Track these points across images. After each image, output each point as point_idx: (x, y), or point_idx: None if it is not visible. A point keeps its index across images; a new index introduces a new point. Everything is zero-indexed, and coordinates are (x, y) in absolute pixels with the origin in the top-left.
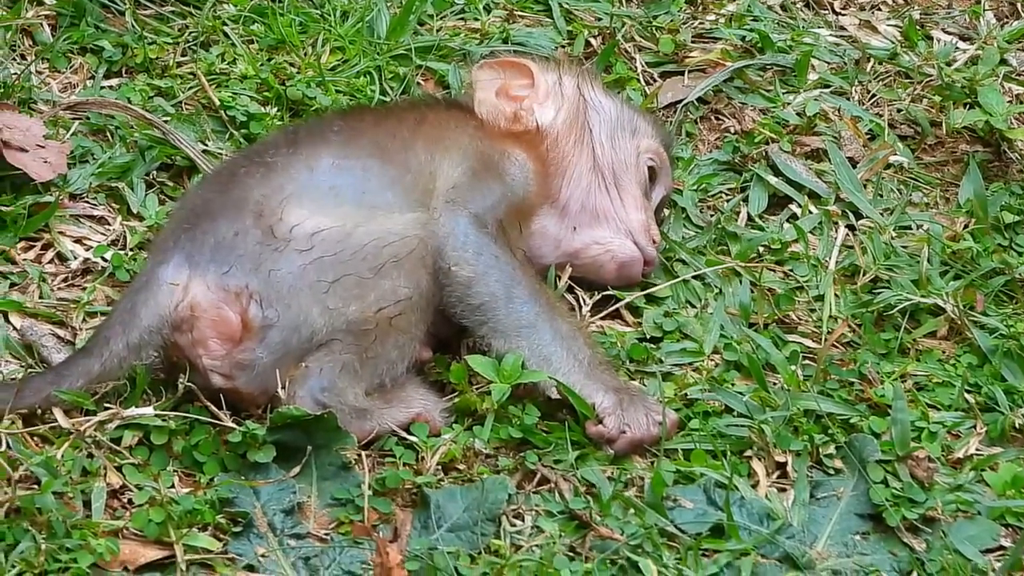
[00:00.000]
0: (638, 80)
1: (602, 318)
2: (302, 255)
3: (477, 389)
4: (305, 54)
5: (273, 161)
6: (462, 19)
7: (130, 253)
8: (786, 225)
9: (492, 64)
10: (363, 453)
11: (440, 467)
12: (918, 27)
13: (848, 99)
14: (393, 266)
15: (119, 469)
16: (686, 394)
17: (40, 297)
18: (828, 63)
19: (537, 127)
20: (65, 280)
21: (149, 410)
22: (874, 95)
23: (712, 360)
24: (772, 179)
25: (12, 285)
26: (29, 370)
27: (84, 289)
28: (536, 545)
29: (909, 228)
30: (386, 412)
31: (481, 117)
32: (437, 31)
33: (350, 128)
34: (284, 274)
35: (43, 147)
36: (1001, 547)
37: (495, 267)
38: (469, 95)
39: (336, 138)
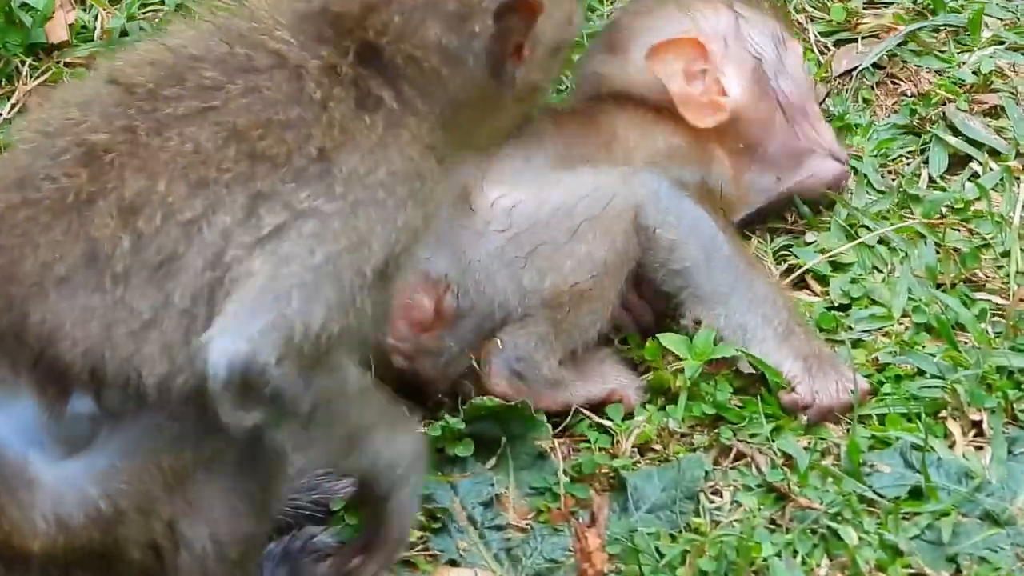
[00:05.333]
0: (812, 50)
1: (789, 289)
2: (501, 235)
3: (669, 366)
4: None
5: None
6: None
7: None
8: (968, 184)
9: (661, 50)
10: (557, 441)
11: (635, 449)
12: None
13: (1023, 55)
14: (589, 226)
15: None
16: (877, 359)
17: None
18: (1001, 20)
19: (729, 109)
20: None
21: None
22: None
23: (901, 324)
24: (951, 139)
25: None
26: None
27: None
28: (736, 520)
29: None
30: (581, 386)
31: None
32: (597, 17)
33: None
34: (483, 260)
35: None
36: None
37: (696, 231)
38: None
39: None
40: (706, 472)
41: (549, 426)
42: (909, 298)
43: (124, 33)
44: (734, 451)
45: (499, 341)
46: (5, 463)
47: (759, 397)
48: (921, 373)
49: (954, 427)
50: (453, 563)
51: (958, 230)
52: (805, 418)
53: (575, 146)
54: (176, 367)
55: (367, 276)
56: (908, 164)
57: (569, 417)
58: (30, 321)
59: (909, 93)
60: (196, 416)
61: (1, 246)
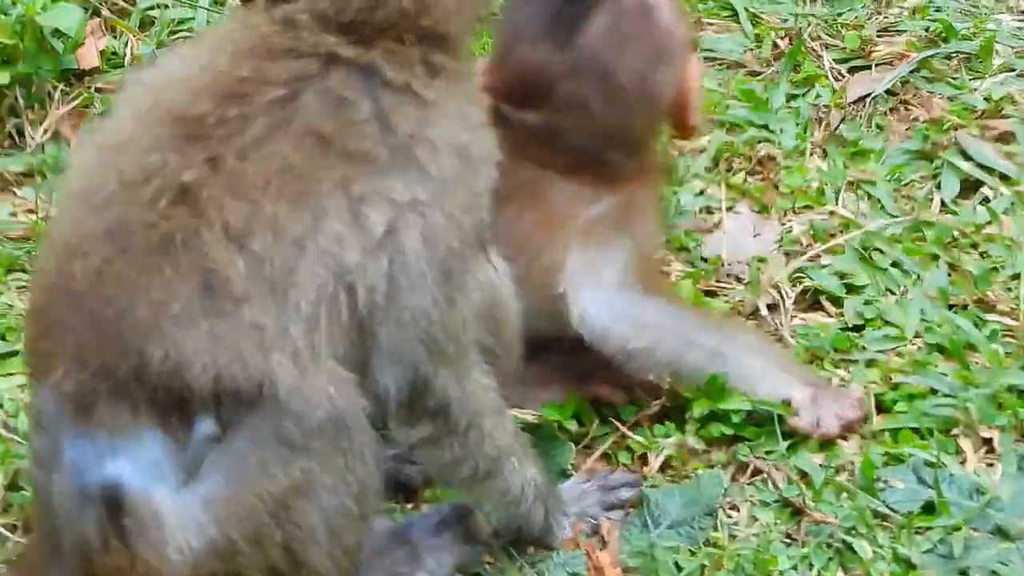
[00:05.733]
0: (826, 77)
1: (804, 311)
2: None
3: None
4: None
5: None
6: None
7: None
8: (979, 208)
9: None
10: (580, 460)
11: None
12: None
13: None
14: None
15: None
16: (891, 378)
17: None
18: (1012, 47)
19: None
20: None
21: None
22: None
23: (914, 344)
24: (963, 164)
25: None
26: None
27: None
28: (753, 534)
29: None
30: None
31: None
32: None
33: None
34: None
35: None
36: None
37: (661, 329)
38: None
39: None
40: (724, 488)
41: (572, 445)
42: (922, 319)
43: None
44: (751, 468)
45: None
46: (136, 507)
47: (774, 416)
48: (934, 392)
49: (966, 444)
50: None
51: (969, 253)
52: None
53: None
54: (305, 371)
55: (472, 250)
56: (921, 189)
57: (590, 437)
58: (152, 361)
59: (922, 119)
60: (289, 438)
61: (108, 297)
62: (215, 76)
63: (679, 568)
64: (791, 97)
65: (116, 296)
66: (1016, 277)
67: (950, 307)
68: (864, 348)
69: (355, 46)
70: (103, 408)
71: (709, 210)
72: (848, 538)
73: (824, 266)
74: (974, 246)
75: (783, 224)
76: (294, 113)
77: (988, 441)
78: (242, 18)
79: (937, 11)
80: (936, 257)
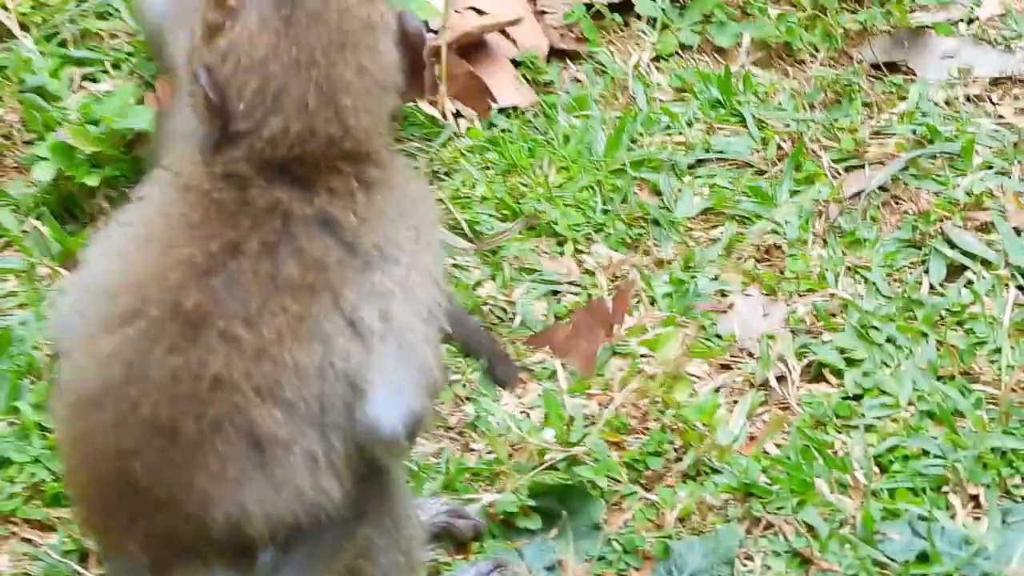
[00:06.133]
0: (826, 175)
1: (809, 382)
2: None
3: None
4: (535, 175)
5: None
6: (668, 134)
7: None
8: (963, 290)
9: None
10: (610, 514)
11: (678, 520)
12: None
13: (1009, 177)
14: None
15: None
16: (887, 441)
17: None
18: (990, 147)
19: None
20: None
21: None
22: None
23: (908, 411)
24: (948, 251)
25: None
26: None
27: None
28: None
29: None
30: None
31: None
32: (648, 146)
33: None
34: None
35: None
36: None
37: None
38: None
39: None
40: (740, 540)
41: (603, 502)
42: (914, 389)
43: None
44: (764, 522)
45: None
46: None
47: (788, 474)
48: (926, 453)
49: (955, 500)
50: None
51: (956, 330)
52: (826, 490)
53: None
54: (348, 479)
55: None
56: (911, 273)
57: (619, 495)
58: (215, 524)
59: (911, 212)
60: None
61: (169, 485)
62: (184, 258)
63: None
64: (794, 193)
65: (176, 484)
66: (998, 351)
67: (939, 378)
68: (863, 415)
69: (302, 195)
70: (178, 570)
71: (723, 293)
72: None
73: (826, 342)
74: (960, 324)
75: (789, 305)
76: (276, 272)
77: (975, 497)
78: (175, 180)
79: (923, 116)
80: (926, 334)
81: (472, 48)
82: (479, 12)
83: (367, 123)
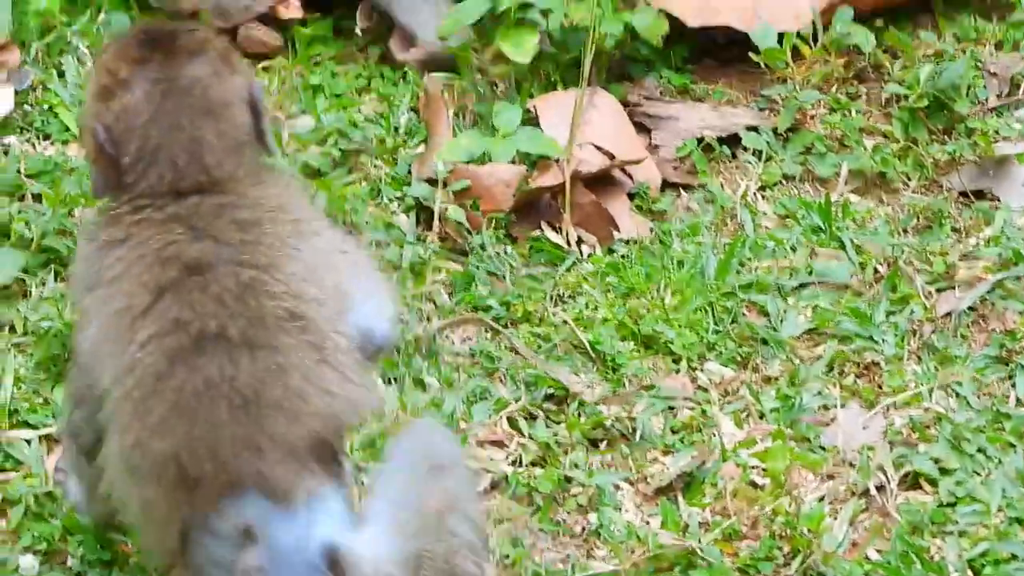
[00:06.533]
0: (919, 296)
1: (906, 490)
2: None
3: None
4: (652, 297)
5: None
6: (774, 258)
7: (524, 470)
8: None
9: None
10: None
11: None
12: None
13: None
14: None
15: None
16: (979, 546)
17: None
18: None
19: None
20: None
21: None
22: None
23: (998, 517)
24: None
25: None
26: None
27: None
28: None
29: None
30: None
31: None
32: (755, 270)
33: None
34: None
35: None
36: None
37: None
38: None
39: None
40: None
41: None
42: (1003, 496)
43: None
44: None
45: None
46: (348, 559)
47: None
48: (1015, 557)
49: None
50: None
51: None
52: None
53: None
54: None
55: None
56: (999, 388)
57: None
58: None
59: (998, 330)
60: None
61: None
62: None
63: None
64: (890, 313)
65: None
66: None
67: None
68: (957, 521)
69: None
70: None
71: (826, 407)
72: None
73: (922, 453)
74: None
75: (887, 418)
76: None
77: None
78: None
79: (1008, 240)
80: (1013, 445)
81: (592, 180)
82: (598, 148)
83: (229, 171)
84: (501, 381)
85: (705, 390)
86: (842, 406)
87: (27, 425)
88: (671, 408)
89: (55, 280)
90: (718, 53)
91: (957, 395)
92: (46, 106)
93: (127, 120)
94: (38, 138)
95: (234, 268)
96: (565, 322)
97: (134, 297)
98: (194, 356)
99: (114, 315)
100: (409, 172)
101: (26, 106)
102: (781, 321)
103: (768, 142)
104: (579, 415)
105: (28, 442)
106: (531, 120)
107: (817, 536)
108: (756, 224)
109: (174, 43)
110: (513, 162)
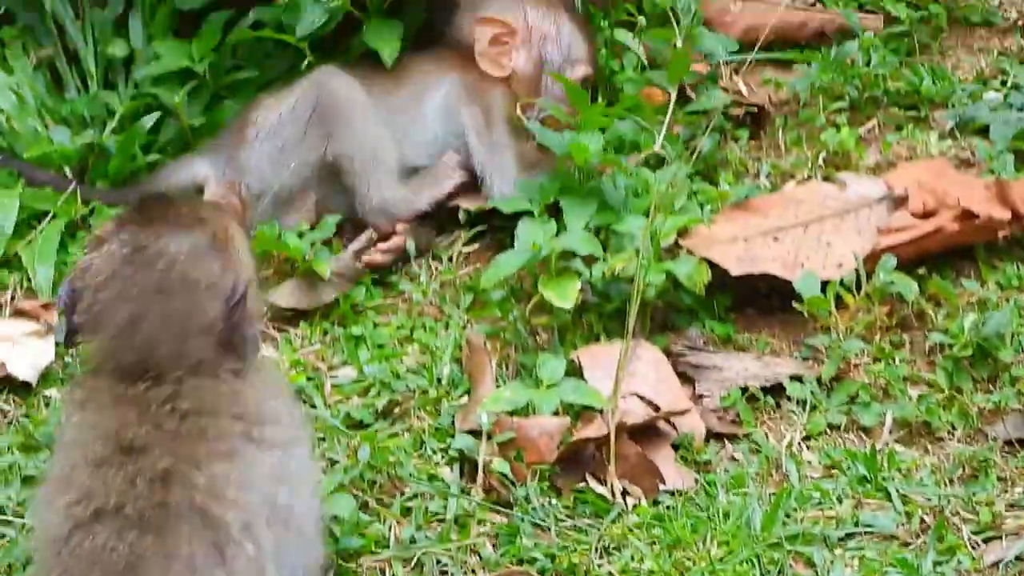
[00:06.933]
0: (965, 546)
1: None
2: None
3: None
4: (698, 550)
5: None
6: (820, 509)
7: None
8: None
9: (485, 21)
10: None
11: None
12: None
13: None
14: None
15: None
16: None
17: None
18: None
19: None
20: None
21: None
22: None
23: None
24: None
25: None
26: None
27: None
28: None
29: None
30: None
31: None
32: (801, 520)
33: None
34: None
35: None
36: None
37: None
38: None
39: None
40: None
41: None
42: None
43: (413, 540)
44: None
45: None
46: None
47: None
48: None
49: None
50: None
51: None
52: None
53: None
54: None
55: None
56: None
57: None
58: None
59: None
60: None
61: None
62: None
63: None
64: (937, 563)
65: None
66: None
67: None
68: None
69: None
70: None
71: None
72: None
73: None
74: None
75: None
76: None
77: None
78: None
79: None
80: None
81: (637, 432)
82: (642, 399)
83: (177, 357)
84: None
85: None
86: None
87: None
88: None
89: None
90: (761, 302)
91: None
92: None
93: (84, 279)
94: None
95: (161, 455)
96: (611, 574)
97: (72, 467)
98: (90, 526)
99: (53, 478)
100: (452, 423)
101: (66, 358)
102: (828, 573)
103: (812, 391)
104: None
105: None
106: (575, 371)
107: None
108: (801, 474)
109: (164, 212)
110: (557, 413)
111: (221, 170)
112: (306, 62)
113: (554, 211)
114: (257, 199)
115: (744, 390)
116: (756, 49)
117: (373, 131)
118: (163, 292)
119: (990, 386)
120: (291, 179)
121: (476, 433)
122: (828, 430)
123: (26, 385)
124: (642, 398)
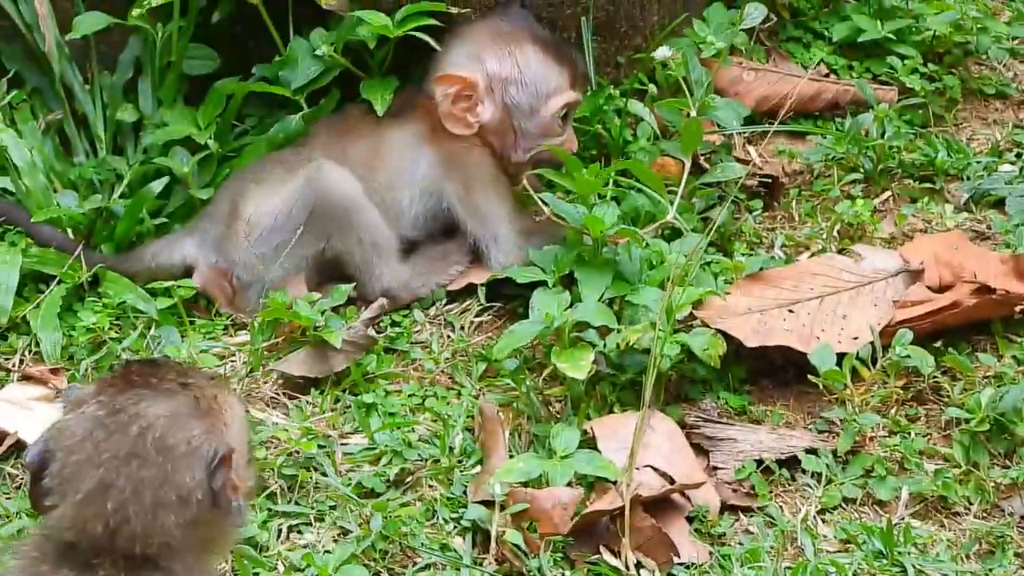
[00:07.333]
0: None
1: None
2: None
3: None
4: None
5: None
6: None
7: None
8: None
9: (444, 79)
10: None
11: None
12: None
13: None
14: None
15: None
16: None
17: None
18: None
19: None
20: None
21: None
22: None
23: None
24: None
25: None
26: None
27: None
28: None
29: None
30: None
31: None
32: None
33: None
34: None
35: None
36: None
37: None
38: None
39: None
40: None
41: None
42: None
43: None
44: None
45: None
46: None
47: None
48: None
49: None
50: None
51: None
52: None
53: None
54: None
55: None
56: None
57: None
58: None
59: None
60: None
61: None
62: None
63: None
64: None
65: None
66: None
67: None
68: None
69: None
70: None
71: None
72: None
73: None
74: None
75: None
76: None
77: None
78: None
79: None
80: None
81: (651, 504)
82: (656, 470)
83: (139, 529)
84: None
85: None
86: None
87: None
88: None
89: None
90: (776, 374)
91: None
92: None
93: (56, 440)
94: None
95: None
96: None
97: None
98: None
99: None
100: (465, 493)
101: None
102: None
103: (828, 464)
104: None
105: None
106: (589, 442)
107: None
108: (817, 548)
109: (148, 376)
110: (571, 484)
111: (210, 255)
112: (300, 115)
113: (569, 281)
114: (247, 288)
115: (759, 462)
116: (778, 122)
117: (370, 220)
118: (136, 457)
119: (1007, 461)
120: (283, 270)
121: (489, 503)
122: (843, 504)
123: None
124: (656, 470)
